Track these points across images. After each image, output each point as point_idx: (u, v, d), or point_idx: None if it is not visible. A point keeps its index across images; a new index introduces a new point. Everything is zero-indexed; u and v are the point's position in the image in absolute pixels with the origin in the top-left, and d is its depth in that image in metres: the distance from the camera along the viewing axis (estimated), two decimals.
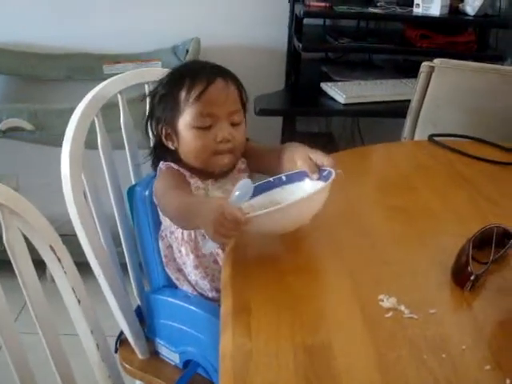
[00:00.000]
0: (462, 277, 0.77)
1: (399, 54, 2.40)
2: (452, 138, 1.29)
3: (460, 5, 2.08)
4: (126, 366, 1.13)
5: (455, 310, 0.75)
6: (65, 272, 0.82)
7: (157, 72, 1.14)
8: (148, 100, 1.12)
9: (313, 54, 2.34)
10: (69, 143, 0.97)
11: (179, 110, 0.99)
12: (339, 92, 2.01)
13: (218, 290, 1.02)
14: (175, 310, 1.06)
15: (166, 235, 1.05)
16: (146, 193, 1.04)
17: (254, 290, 0.76)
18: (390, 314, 0.71)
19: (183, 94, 0.98)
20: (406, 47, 2.15)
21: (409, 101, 1.53)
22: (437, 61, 1.46)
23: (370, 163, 1.28)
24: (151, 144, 1.15)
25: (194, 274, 1.04)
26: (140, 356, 1.13)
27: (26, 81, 2.39)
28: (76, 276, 0.84)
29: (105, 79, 1.08)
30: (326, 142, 2.34)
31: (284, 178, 0.92)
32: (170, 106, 1.00)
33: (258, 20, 2.36)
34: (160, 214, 1.04)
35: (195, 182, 1.01)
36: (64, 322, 0.90)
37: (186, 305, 1.03)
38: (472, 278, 0.75)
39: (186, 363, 1.07)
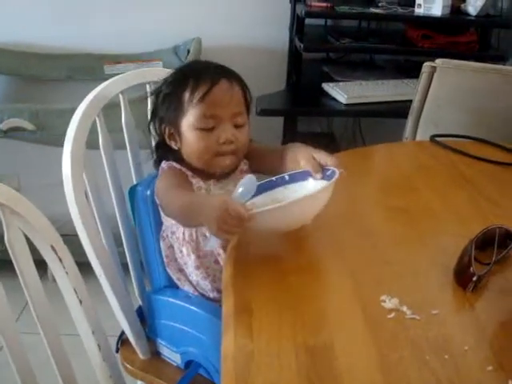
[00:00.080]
0: (464, 277, 0.76)
1: (401, 55, 2.40)
2: (454, 139, 1.29)
3: (462, 5, 2.08)
4: (128, 366, 1.13)
5: (457, 310, 0.75)
6: (66, 272, 0.82)
7: (158, 72, 1.14)
8: (150, 100, 1.12)
9: (314, 54, 2.34)
10: (70, 143, 0.97)
11: (183, 110, 0.99)
12: (340, 92, 2.01)
13: (219, 291, 1.02)
14: (176, 310, 1.06)
15: (167, 235, 1.05)
16: (148, 193, 1.04)
17: (256, 290, 0.76)
18: (392, 315, 0.71)
19: (187, 95, 0.98)
20: (407, 47, 2.14)
21: (410, 101, 1.53)
22: (438, 61, 1.46)
23: (371, 163, 1.28)
24: (153, 144, 1.15)
25: (195, 275, 1.04)
26: (141, 356, 1.13)
27: (27, 81, 2.39)
28: (77, 276, 0.84)
29: (106, 79, 1.08)
30: (327, 143, 2.33)
31: (287, 177, 0.92)
32: (173, 106, 1.00)
33: (260, 20, 2.36)
34: (161, 214, 1.04)
35: (197, 182, 1.01)
36: (65, 321, 0.90)
37: (187, 305, 1.03)
38: (474, 278, 0.75)
39: (188, 364, 1.07)
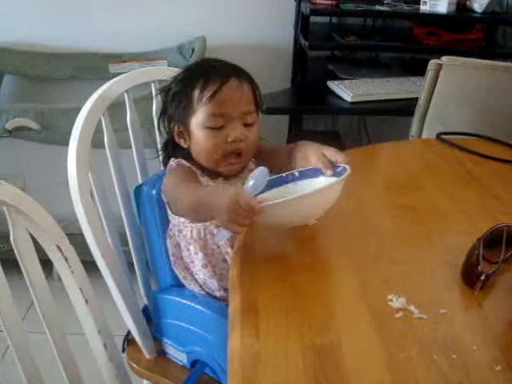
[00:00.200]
0: (472, 276, 0.76)
1: (406, 52, 2.39)
2: (460, 136, 1.28)
3: (467, 2, 2.07)
4: (134, 365, 1.13)
5: (465, 310, 0.74)
6: (72, 272, 0.81)
7: (163, 71, 1.14)
8: (158, 98, 1.12)
9: (319, 52, 2.32)
10: (75, 142, 0.97)
11: (192, 108, 0.98)
12: (346, 90, 2.00)
13: (225, 290, 1.02)
14: (182, 309, 1.05)
15: (173, 234, 1.05)
16: (153, 192, 1.04)
17: (262, 289, 0.76)
18: (399, 315, 0.70)
19: (197, 93, 0.98)
20: (412, 45, 2.13)
21: (416, 99, 1.53)
22: (444, 58, 1.46)
23: (377, 162, 1.28)
24: (158, 142, 1.15)
25: (202, 273, 1.04)
26: (147, 356, 1.13)
27: (32, 80, 2.39)
28: (83, 276, 0.84)
29: (110, 78, 1.08)
30: (332, 141, 2.32)
31: (297, 173, 0.92)
32: (182, 105, 1.00)
33: (264, 18, 2.35)
34: (168, 212, 1.04)
35: (205, 180, 1.01)
36: (71, 320, 0.90)
37: (194, 304, 1.03)
38: (482, 277, 0.75)
39: (194, 363, 1.07)
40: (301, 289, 0.76)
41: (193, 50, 2.22)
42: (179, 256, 1.06)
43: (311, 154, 0.92)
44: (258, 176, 0.83)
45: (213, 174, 1.02)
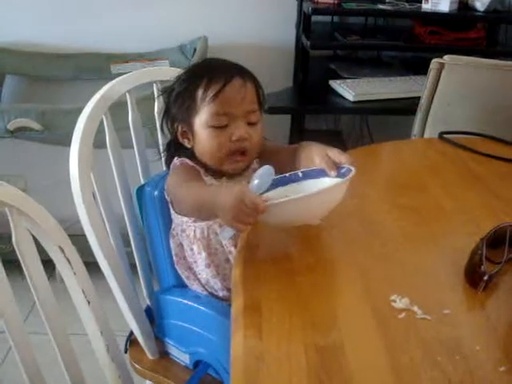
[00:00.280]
0: (475, 277, 0.76)
1: (408, 51, 2.39)
2: (463, 136, 1.28)
3: (469, 0, 2.07)
4: (136, 366, 1.13)
5: (469, 310, 0.74)
6: (74, 273, 0.81)
7: (165, 71, 1.14)
8: (160, 98, 1.12)
9: (321, 51, 2.33)
10: (77, 143, 0.97)
11: (196, 108, 0.98)
12: (348, 89, 2.00)
13: (228, 289, 1.02)
14: (185, 310, 1.05)
15: (176, 233, 1.05)
16: (156, 192, 1.04)
17: (265, 290, 0.76)
18: (402, 315, 0.70)
19: (200, 93, 0.98)
20: (414, 44, 2.13)
21: (418, 98, 1.52)
22: (447, 57, 1.45)
23: (379, 161, 1.27)
24: (160, 143, 1.15)
25: (205, 273, 1.04)
26: (150, 356, 1.13)
27: (34, 81, 2.39)
28: (86, 277, 0.84)
29: (112, 78, 1.07)
30: (334, 140, 2.32)
31: (300, 174, 0.91)
32: (186, 104, 1.00)
33: (266, 18, 2.35)
34: (171, 211, 1.03)
35: (209, 179, 1.01)
36: (73, 321, 0.90)
37: (196, 305, 1.03)
38: (485, 278, 0.75)
39: (196, 363, 1.07)
40: (303, 289, 0.76)
41: (194, 49, 2.22)
42: (182, 256, 1.06)
43: (315, 154, 0.92)
44: (263, 175, 0.84)
45: (216, 174, 1.02)
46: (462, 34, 2.06)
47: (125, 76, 1.09)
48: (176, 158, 1.03)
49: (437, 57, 1.47)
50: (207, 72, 0.99)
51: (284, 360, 0.63)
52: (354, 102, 1.98)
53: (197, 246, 1.02)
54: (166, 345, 1.12)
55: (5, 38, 2.31)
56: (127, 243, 1.12)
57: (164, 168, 1.12)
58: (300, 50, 2.26)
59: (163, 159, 1.11)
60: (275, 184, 0.88)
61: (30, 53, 2.32)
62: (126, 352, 1.15)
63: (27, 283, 0.75)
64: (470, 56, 1.51)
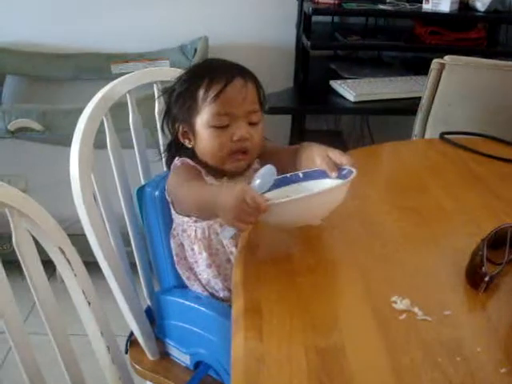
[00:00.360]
0: (476, 278, 0.76)
1: (409, 51, 2.39)
2: (464, 136, 1.27)
3: (470, 0, 2.06)
4: (137, 367, 1.13)
5: (470, 311, 0.74)
6: (74, 274, 0.81)
7: (165, 71, 1.14)
8: (161, 99, 1.12)
9: (321, 51, 2.33)
10: (78, 144, 0.96)
11: (197, 108, 0.98)
12: (349, 90, 2.00)
13: (229, 290, 1.01)
14: (186, 311, 1.05)
15: (177, 233, 1.05)
16: (156, 193, 1.04)
17: (266, 291, 0.76)
18: (403, 316, 0.70)
19: (201, 93, 0.98)
20: (415, 44, 2.13)
21: (419, 98, 1.52)
22: (447, 58, 1.45)
23: (380, 162, 1.27)
24: (161, 143, 1.14)
25: (205, 273, 1.04)
26: (150, 357, 1.13)
27: (34, 81, 2.39)
28: (86, 278, 0.84)
29: (113, 79, 1.07)
30: (335, 141, 2.32)
31: (301, 174, 0.91)
32: (187, 105, 1.00)
33: (266, 18, 2.35)
34: (172, 211, 1.03)
35: (210, 179, 1.01)
36: (74, 321, 0.89)
37: (197, 306, 1.03)
38: (486, 279, 0.74)
39: (197, 364, 1.07)
40: (304, 290, 0.75)
41: (195, 50, 2.22)
42: (183, 256, 1.06)
43: (316, 155, 0.92)
44: (265, 174, 0.84)
45: (217, 174, 1.01)
46: (462, 34, 2.06)
47: (125, 76, 1.09)
48: (177, 159, 1.03)
49: (437, 57, 1.47)
50: (208, 72, 0.99)
51: (284, 362, 0.63)
52: (355, 103, 1.98)
53: (198, 246, 1.02)
54: (167, 345, 1.12)
55: (5, 38, 2.31)
56: (127, 243, 1.12)
57: (164, 168, 1.12)
58: (300, 50, 2.26)
59: (164, 159, 1.11)
60: (276, 184, 0.88)
61: (30, 53, 2.32)
62: (126, 353, 1.15)
63: (27, 284, 0.75)
64: (471, 56, 1.51)
